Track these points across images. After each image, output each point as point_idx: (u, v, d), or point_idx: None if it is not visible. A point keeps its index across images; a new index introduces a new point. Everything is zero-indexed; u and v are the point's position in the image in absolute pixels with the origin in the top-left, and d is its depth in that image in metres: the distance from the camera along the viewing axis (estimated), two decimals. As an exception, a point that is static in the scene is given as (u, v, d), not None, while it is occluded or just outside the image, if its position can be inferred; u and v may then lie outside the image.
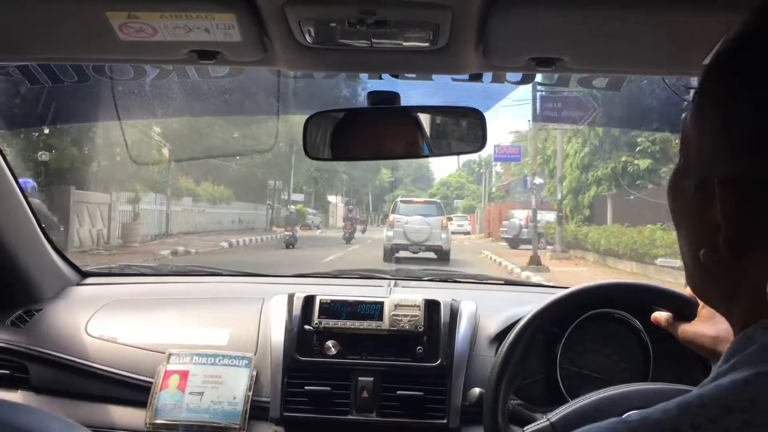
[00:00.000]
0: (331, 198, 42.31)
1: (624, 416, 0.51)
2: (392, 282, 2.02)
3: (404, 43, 1.04)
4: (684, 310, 1.28)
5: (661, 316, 1.33)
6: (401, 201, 19.55)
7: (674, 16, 0.97)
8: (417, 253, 16.38)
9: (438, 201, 21.53)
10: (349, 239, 20.98)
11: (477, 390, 1.45)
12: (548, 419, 1.29)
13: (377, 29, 0.98)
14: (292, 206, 26.03)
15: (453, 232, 20.73)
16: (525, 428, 1.30)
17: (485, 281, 2.29)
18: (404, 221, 16.92)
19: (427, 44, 1.04)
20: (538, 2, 0.93)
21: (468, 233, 36.54)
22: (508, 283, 2.32)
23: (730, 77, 0.53)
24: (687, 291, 1.32)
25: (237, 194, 26.13)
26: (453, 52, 1.06)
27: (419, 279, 2.22)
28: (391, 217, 17.74)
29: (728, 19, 0.94)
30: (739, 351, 0.51)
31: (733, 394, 0.46)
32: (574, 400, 1.31)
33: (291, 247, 17.18)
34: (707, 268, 0.56)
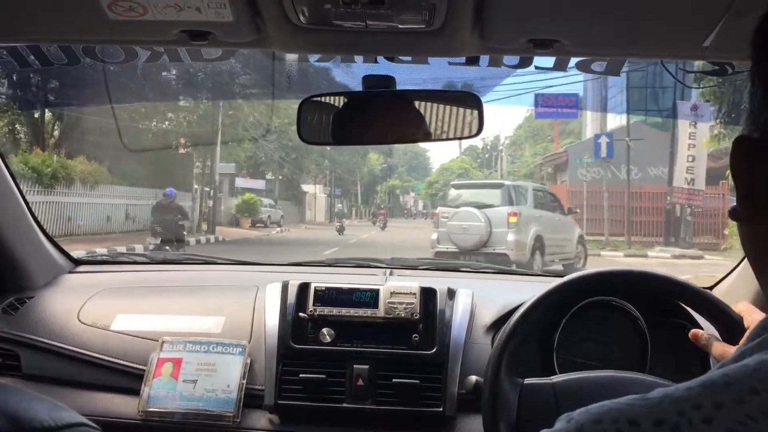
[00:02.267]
0: (308, 187, 32.68)
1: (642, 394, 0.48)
2: (388, 270, 2.01)
3: (400, 25, 1.02)
4: (729, 327, 1.20)
5: (700, 333, 1.19)
6: (453, 185, 13.65)
7: None
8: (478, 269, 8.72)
9: (507, 183, 12.95)
10: (383, 227, 24.34)
11: (473, 378, 1.44)
12: (550, 380, 1.30)
13: (372, 10, 0.96)
14: (339, 204, 26.54)
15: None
16: (525, 380, 1.30)
17: (481, 269, 2.30)
18: (451, 215, 11.24)
19: (422, 25, 1.02)
20: None
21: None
22: (504, 272, 2.33)
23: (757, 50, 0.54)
24: (738, 308, 1.22)
25: (125, 174, 17.00)
26: (449, 33, 1.04)
27: (415, 267, 2.21)
28: (438, 209, 12.31)
29: (728, 1, 0.92)
30: (767, 329, 0.48)
31: (761, 375, 0.45)
32: (579, 371, 1.32)
33: (341, 234, 21.47)
34: (739, 229, 0.56)
